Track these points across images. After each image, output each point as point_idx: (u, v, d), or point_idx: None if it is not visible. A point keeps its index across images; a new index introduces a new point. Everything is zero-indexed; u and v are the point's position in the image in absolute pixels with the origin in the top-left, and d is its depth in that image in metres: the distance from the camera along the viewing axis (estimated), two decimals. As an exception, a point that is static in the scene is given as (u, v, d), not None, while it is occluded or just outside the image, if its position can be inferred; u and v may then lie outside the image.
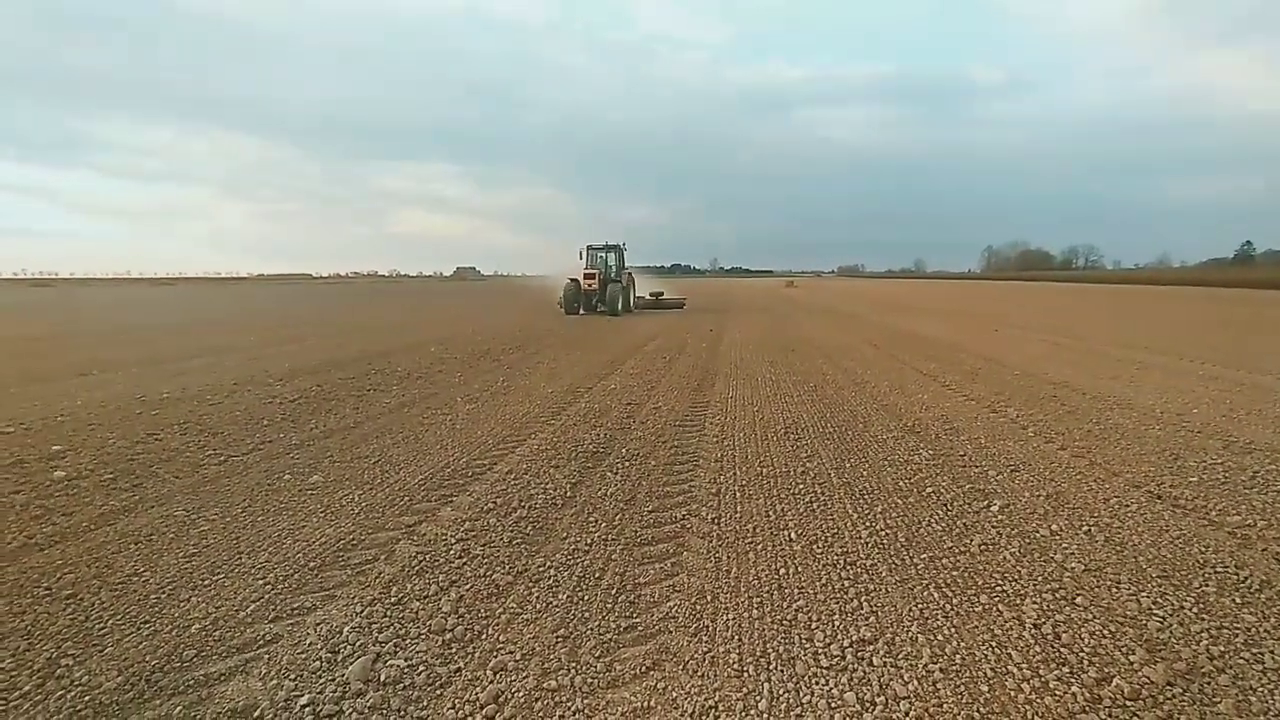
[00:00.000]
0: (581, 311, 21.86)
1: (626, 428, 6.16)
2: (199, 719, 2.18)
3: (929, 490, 4.38)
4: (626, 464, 5.00)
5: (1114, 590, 3.03)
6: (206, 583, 3.13)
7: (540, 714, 2.21)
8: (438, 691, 2.33)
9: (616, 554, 3.44)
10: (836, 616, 2.80)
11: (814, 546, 3.50)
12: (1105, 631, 2.69)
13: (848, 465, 4.93)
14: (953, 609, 2.86)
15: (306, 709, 2.22)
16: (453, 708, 2.24)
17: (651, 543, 3.58)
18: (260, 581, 3.15)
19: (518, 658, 2.51)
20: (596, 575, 3.20)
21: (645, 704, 2.27)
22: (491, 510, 4.05)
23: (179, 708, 2.25)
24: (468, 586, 3.08)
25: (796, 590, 3.03)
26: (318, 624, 2.76)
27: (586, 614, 2.84)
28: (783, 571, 3.21)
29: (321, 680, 2.37)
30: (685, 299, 26.65)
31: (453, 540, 3.60)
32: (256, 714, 2.19)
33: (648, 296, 25.27)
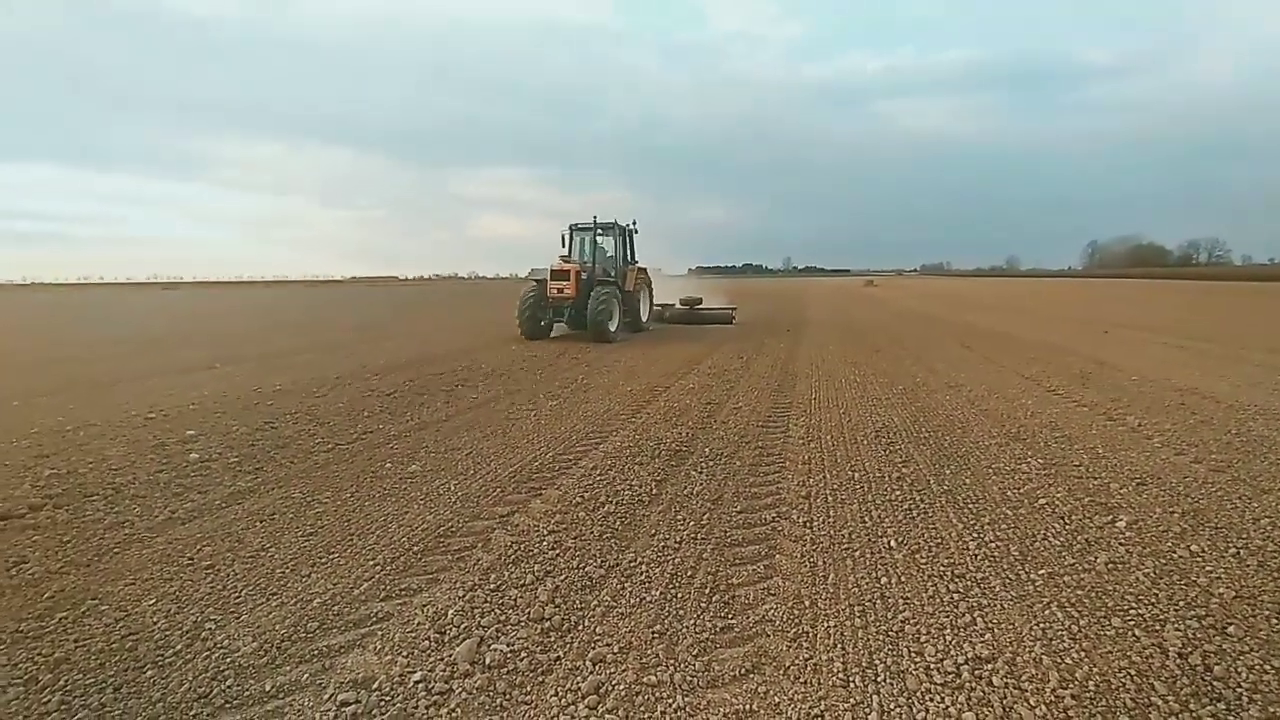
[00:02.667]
0: (555, 332, 14.01)
1: (708, 427, 6.10)
2: (325, 686, 2.33)
3: (1041, 502, 4.06)
4: (710, 463, 4.94)
5: (1274, 621, 2.68)
6: (324, 560, 3.36)
7: (641, 708, 2.21)
8: (540, 678, 2.38)
9: (707, 553, 3.39)
10: (948, 631, 2.63)
11: (916, 556, 3.32)
12: (1267, 666, 2.38)
13: (947, 472, 4.65)
14: (1080, 631, 2.63)
15: (419, 685, 2.32)
16: (555, 695, 2.27)
17: (742, 544, 3.52)
18: (370, 562, 3.34)
19: (615, 650, 2.53)
20: (688, 574, 3.17)
21: (747, 707, 2.22)
22: (580, 504, 4.11)
23: (306, 675, 2.41)
24: (562, 577, 3.14)
25: (901, 601, 2.88)
26: (424, 605, 2.89)
27: (681, 611, 2.82)
28: (884, 580, 3.07)
29: (431, 659, 2.48)
30: (735, 308, 18.58)
31: (545, 532, 3.68)
32: (375, 686, 2.31)
33: (678, 305, 18.05)
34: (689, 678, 2.36)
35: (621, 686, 2.31)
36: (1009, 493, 4.23)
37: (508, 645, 2.56)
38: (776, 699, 2.26)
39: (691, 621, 2.74)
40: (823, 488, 4.36)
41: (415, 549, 3.49)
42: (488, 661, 2.45)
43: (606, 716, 2.16)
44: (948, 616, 2.74)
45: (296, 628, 2.72)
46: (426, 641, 2.60)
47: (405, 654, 2.51)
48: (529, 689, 2.32)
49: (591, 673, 2.39)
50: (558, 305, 13.32)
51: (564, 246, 14.29)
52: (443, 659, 2.47)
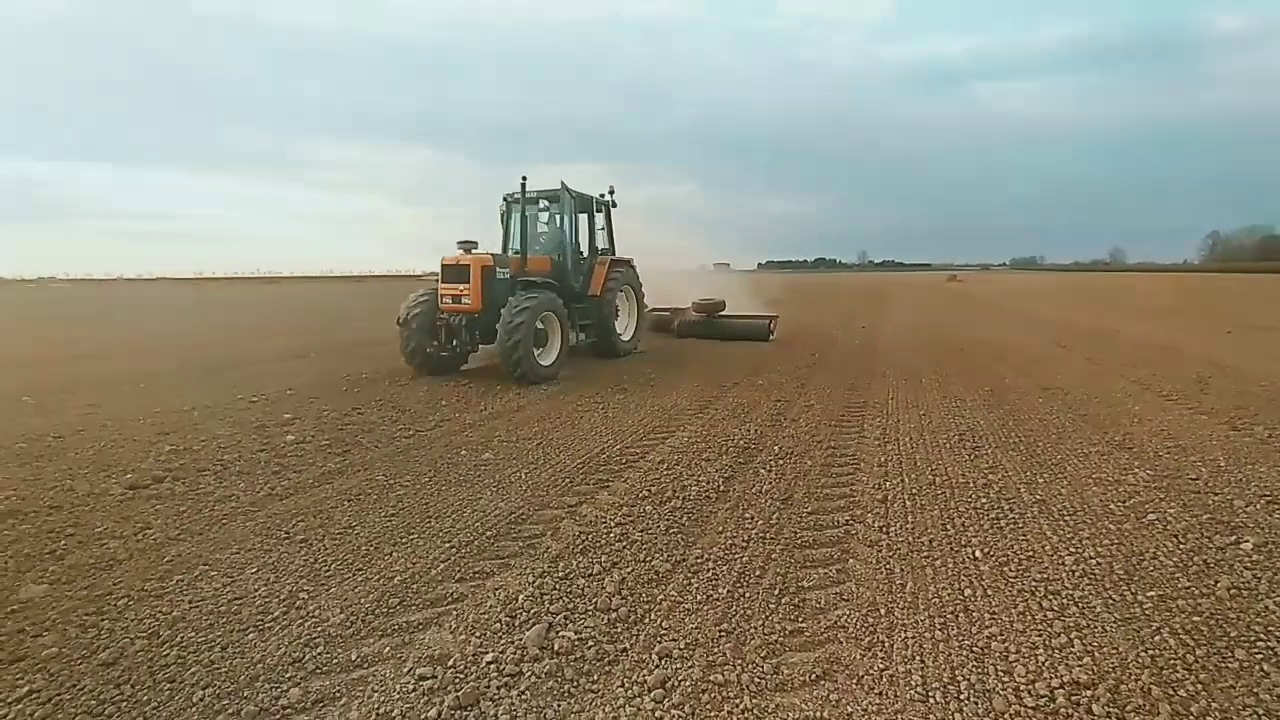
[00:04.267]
0: (469, 360, 9.14)
1: (778, 425, 5.96)
2: (404, 660, 2.44)
3: (1151, 517, 3.70)
4: (780, 462, 4.83)
5: None
6: (404, 540, 3.53)
7: (708, 706, 2.18)
8: (607, 668, 2.40)
9: (776, 554, 3.31)
10: (1040, 651, 2.44)
11: (1005, 569, 3.11)
12: None
13: (1040, 481, 4.33)
14: (1197, 662, 2.37)
15: (490, 665, 2.39)
16: (622, 686, 2.28)
17: (813, 546, 3.41)
18: (446, 544, 3.48)
19: (682, 646, 2.51)
20: (756, 574, 3.10)
21: (818, 714, 2.14)
22: (647, 498, 4.11)
23: (387, 648, 2.54)
24: (629, 570, 3.15)
25: (987, 615, 2.70)
26: (496, 589, 2.98)
27: (749, 611, 2.76)
28: (968, 593, 2.89)
29: (502, 641, 2.55)
30: (774, 317, 13.09)
31: (612, 523, 3.71)
32: (450, 663, 2.40)
33: (691, 313, 13.30)
34: (757, 679, 2.31)
35: (688, 683, 2.29)
36: (1112, 506, 3.88)
37: (575, 633, 2.59)
38: (849, 708, 2.17)
39: (760, 622, 2.68)
40: (900, 492, 4.16)
41: (488, 534, 3.61)
42: (556, 648, 2.49)
43: (673, 711, 2.15)
44: (1040, 636, 2.54)
45: (379, 602, 2.88)
46: (498, 624, 2.67)
47: (478, 634, 2.60)
48: (596, 678, 2.34)
49: (658, 666, 2.38)
50: (453, 324, 8.27)
51: (504, 231, 9.83)
52: (513, 642, 2.54)
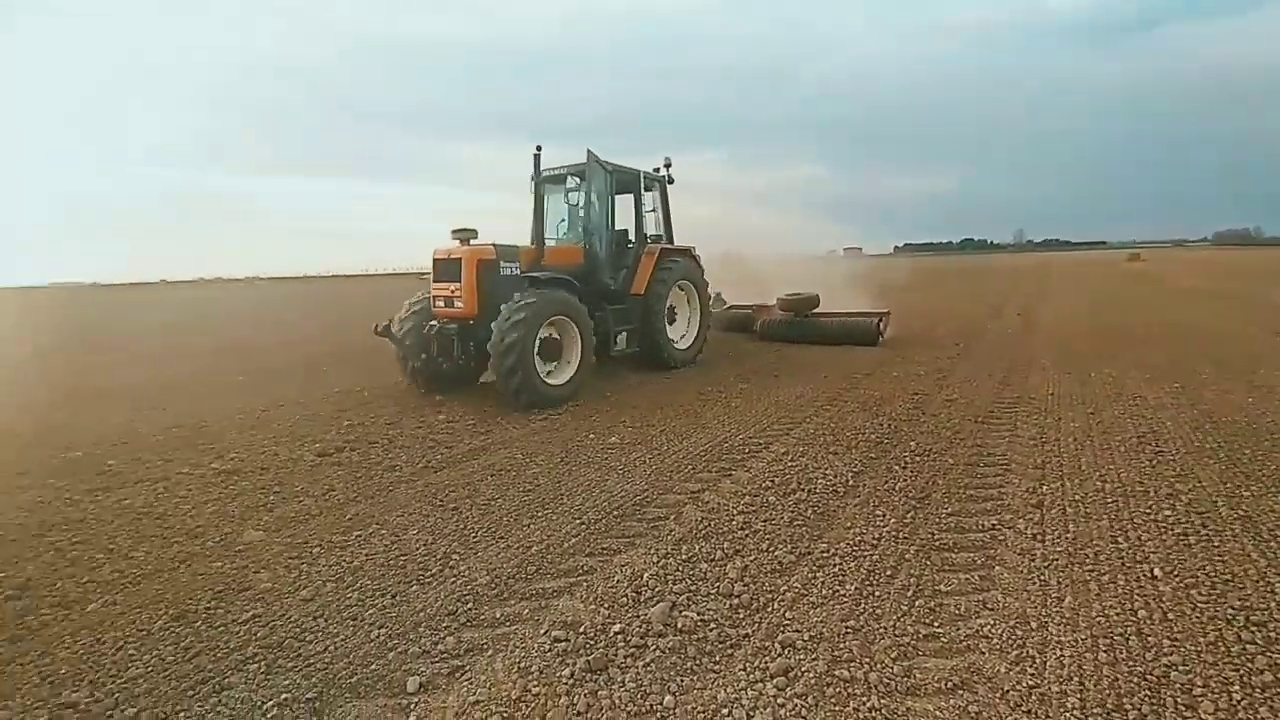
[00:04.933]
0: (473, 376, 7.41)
1: (914, 419, 5.59)
2: (541, 622, 2.66)
3: (1406, 546, 3.01)
4: (917, 459, 4.53)
5: None
6: (539, 514, 3.81)
7: (832, 700, 2.14)
8: (729, 650, 2.44)
9: (910, 555, 3.14)
10: (1235, 688, 2.10)
11: (1192, 592, 2.70)
12: None
13: (1246, 494, 3.67)
14: None
15: (618, 636, 2.53)
16: (744, 669, 2.31)
17: (952, 549, 3.19)
18: (577, 520, 3.70)
19: (806, 638, 2.48)
20: (887, 573, 2.97)
21: (954, 723, 2.03)
22: (770, 488, 4.07)
23: (526, 610, 2.78)
24: (751, 558, 3.15)
25: (1166, 641, 2.37)
26: (623, 565, 3.13)
27: (878, 611, 2.66)
28: (1143, 614, 2.55)
29: (628, 614, 2.68)
30: (885, 313, 10.48)
31: (734, 511, 3.72)
32: (580, 629, 2.58)
33: (776, 310, 10.92)
34: (886, 679, 2.23)
35: (811, 674, 2.26)
36: (1348, 529, 3.20)
37: (698, 614, 2.66)
38: (990, 722, 2.02)
39: (890, 622, 2.57)
40: (1060, 498, 3.74)
41: (614, 513, 3.79)
42: (679, 625, 2.58)
43: (795, 700, 2.14)
44: (1236, 671, 2.19)
45: (519, 568, 3.14)
46: (625, 598, 2.81)
47: (607, 606, 2.75)
48: (718, 658, 2.39)
49: (780, 655, 2.37)
50: (444, 332, 6.73)
51: (536, 215, 7.62)
52: (639, 616, 2.66)
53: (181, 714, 2.18)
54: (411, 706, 2.18)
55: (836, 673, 2.26)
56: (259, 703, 2.22)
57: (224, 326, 18.52)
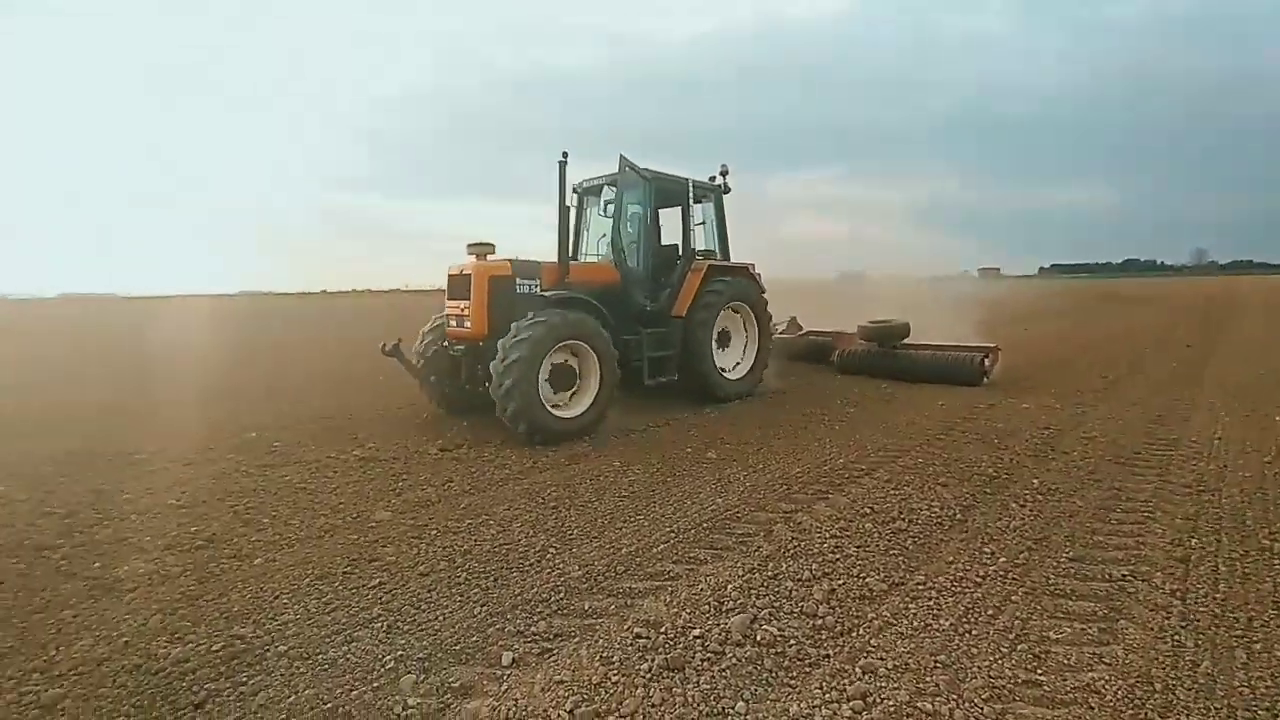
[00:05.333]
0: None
1: (1041, 455, 5.13)
2: (625, 619, 2.80)
3: None
4: (1039, 497, 4.17)
5: None
6: (632, 520, 3.97)
7: (911, 732, 2.08)
8: (806, 669, 2.43)
9: (1018, 597, 2.92)
10: None
11: (1378, 676, 2.28)
12: None
13: None
14: None
15: (697, 640, 2.60)
16: (820, 688, 2.30)
17: (1070, 596, 2.92)
18: (667, 529, 3.82)
19: (889, 666, 2.41)
20: (989, 612, 2.79)
21: (1048, 777, 1.89)
22: (868, 515, 3.94)
23: (613, 606, 2.93)
24: (840, 582, 3.09)
25: (1332, 727, 2.04)
26: (708, 575, 3.19)
27: (973, 650, 2.51)
28: (1303, 693, 2.20)
29: (709, 622, 2.75)
30: (993, 349, 8.51)
31: (827, 535, 3.65)
32: (662, 629, 2.68)
33: (859, 340, 9.52)
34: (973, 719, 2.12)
35: (891, 703, 2.20)
36: None
37: (778, 629, 2.67)
38: (1093, 782, 1.87)
39: (986, 663, 2.42)
40: (1211, 554, 3.29)
41: (704, 526, 3.86)
42: (758, 638, 2.60)
43: (871, 727, 2.10)
44: None
45: (609, 567, 3.31)
46: (706, 606, 2.88)
47: (689, 611, 2.83)
48: (794, 674, 2.39)
49: (860, 679, 2.33)
50: (454, 354, 6.64)
51: (569, 228, 6.94)
52: (718, 625, 2.71)
53: (319, 656, 2.56)
54: (504, 677, 2.40)
55: (919, 704, 2.19)
56: (380, 655, 2.55)
57: (375, 332, 20.80)
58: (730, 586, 3.05)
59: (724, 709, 2.20)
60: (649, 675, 2.38)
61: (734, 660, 2.47)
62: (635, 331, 6.86)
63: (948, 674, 2.36)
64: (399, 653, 2.57)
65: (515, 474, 4.93)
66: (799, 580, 3.12)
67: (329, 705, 2.27)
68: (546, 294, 6.29)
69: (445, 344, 6.70)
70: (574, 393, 6.11)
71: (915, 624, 2.71)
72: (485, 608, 2.92)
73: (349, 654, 2.57)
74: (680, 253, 7.87)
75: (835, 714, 2.17)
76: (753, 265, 8.10)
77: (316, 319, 29.02)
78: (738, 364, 7.94)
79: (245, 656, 2.56)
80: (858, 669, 2.40)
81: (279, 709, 2.25)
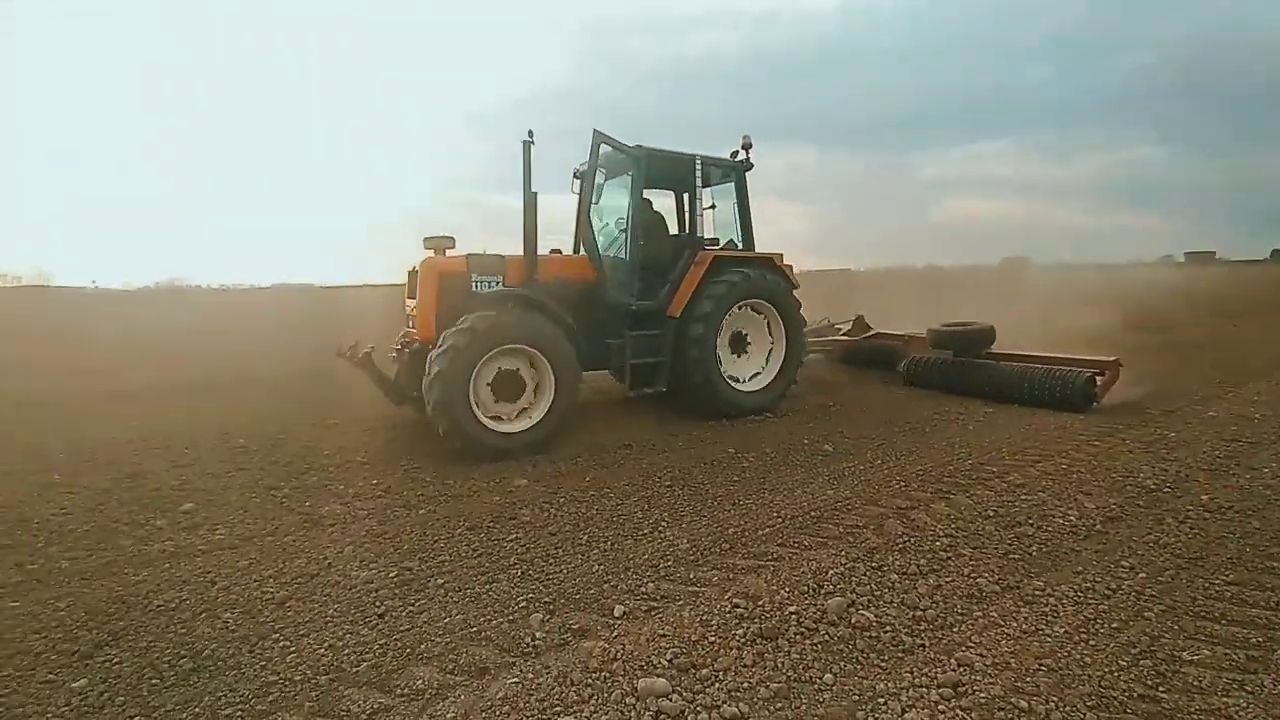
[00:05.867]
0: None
1: (1219, 470, 4.51)
2: (726, 590, 3.02)
3: None
4: (1205, 515, 3.73)
5: None
6: (741, 503, 4.16)
7: (1002, 724, 2.09)
8: (899, 654, 2.49)
9: (1153, 614, 2.72)
10: None
11: None
12: None
13: None
14: None
15: (792, 615, 2.76)
16: (910, 673, 2.36)
17: (1219, 620, 2.66)
18: (776, 514, 3.96)
19: (988, 663, 2.40)
20: (1113, 625, 2.64)
21: (1150, 788, 1.84)
22: (991, 518, 3.79)
23: (715, 578, 3.17)
24: (948, 579, 3.06)
25: None
26: (810, 560, 3.31)
27: (1087, 659, 2.42)
28: None
29: (806, 601, 2.88)
30: (1108, 366, 6.48)
31: (941, 533, 3.59)
32: (759, 602, 2.87)
33: (931, 347, 7.89)
34: (1074, 723, 2.08)
35: (984, 695, 2.22)
36: None
37: (875, 615, 2.74)
38: (1204, 802, 1.78)
39: (1099, 672, 2.33)
40: None
41: (812, 514, 3.94)
42: (853, 621, 2.70)
43: (960, 713, 2.14)
44: None
45: (715, 544, 3.55)
46: (805, 587, 3.01)
47: (787, 589, 2.99)
48: (886, 657, 2.47)
49: (954, 670, 2.36)
50: (400, 357, 6.25)
51: (535, 218, 5.73)
52: (815, 604, 2.84)
53: (467, 590, 3.08)
54: (614, 626, 2.75)
55: (1014, 700, 2.19)
56: (514, 595, 3.02)
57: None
58: (832, 572, 3.15)
59: (811, 677, 2.36)
60: (743, 640, 2.60)
61: (826, 637, 2.61)
62: (619, 334, 6.06)
63: (1052, 677, 2.31)
64: (530, 595, 3.02)
65: (636, 454, 5.30)
66: (905, 574, 3.14)
67: (474, 629, 2.76)
68: (486, 294, 5.58)
69: (412, 338, 5.98)
70: (527, 405, 5.37)
71: (1025, 627, 2.65)
72: (603, 566, 3.30)
73: (490, 591, 3.07)
74: (633, 241, 6.40)
75: (922, 698, 2.23)
76: (779, 256, 6.89)
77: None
78: (756, 374, 6.78)
79: (413, 584, 3.16)
80: (953, 660, 2.42)
81: (437, 626, 2.78)
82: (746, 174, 6.91)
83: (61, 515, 4.07)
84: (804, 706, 2.21)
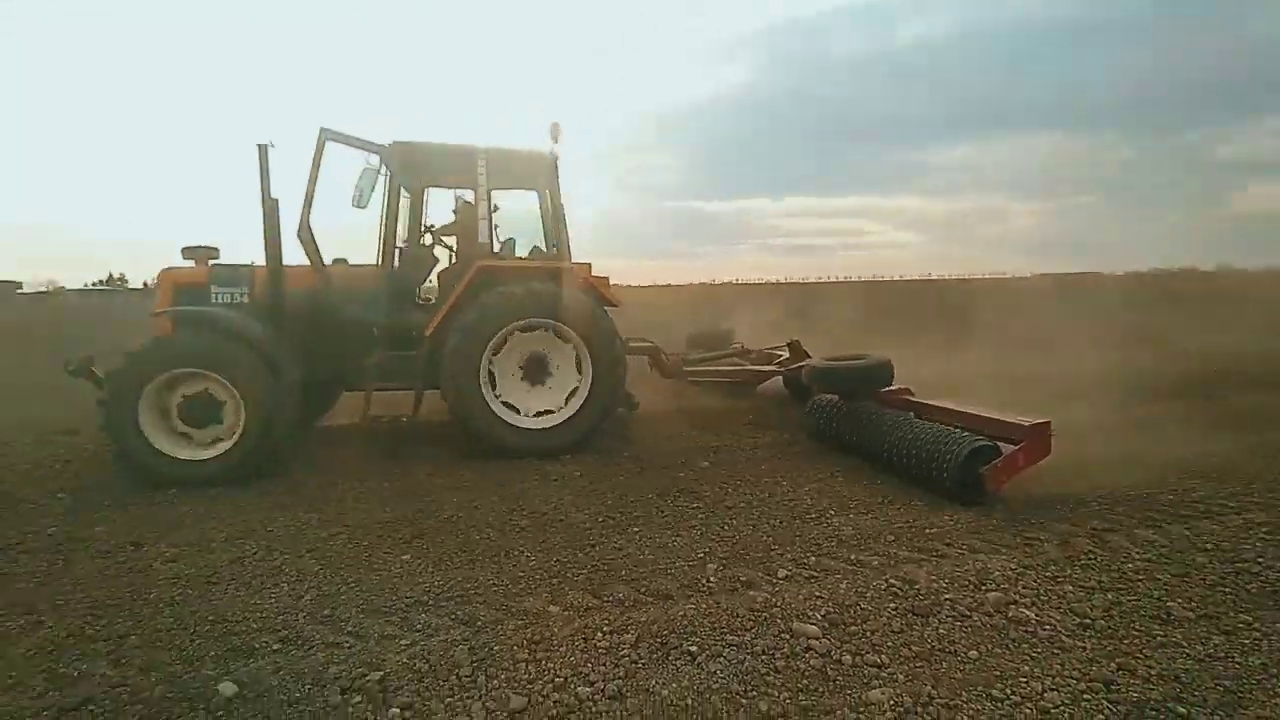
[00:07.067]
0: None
1: None
2: (885, 572, 3.29)
3: None
4: None
5: None
6: (910, 504, 4.28)
7: (1154, 725, 2.14)
8: (1054, 651, 2.57)
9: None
10: None
11: None
12: None
13: None
14: None
15: (946, 600, 2.95)
16: (1060, 665, 2.46)
17: None
18: (947, 516, 4.03)
19: (1153, 673, 2.39)
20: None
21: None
22: (1209, 550, 3.46)
23: (876, 562, 3.43)
24: (1130, 598, 2.98)
25: None
26: (976, 561, 3.40)
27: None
28: None
29: (964, 592, 3.04)
30: (1035, 426, 4.15)
31: (1137, 556, 3.40)
32: (916, 586, 3.10)
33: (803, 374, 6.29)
34: None
35: (1137, 696, 2.26)
36: None
37: (1036, 615, 2.82)
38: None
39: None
40: None
41: (993, 522, 3.94)
42: (1011, 615, 2.82)
43: (1105, 707, 2.23)
44: None
45: (879, 534, 3.79)
46: (966, 581, 3.15)
47: (946, 581, 3.15)
48: (1039, 649, 2.58)
49: (1111, 671, 2.41)
50: None
51: (276, 226, 5.16)
52: (973, 596, 3.00)
53: (656, 539, 3.78)
54: (777, 584, 3.21)
55: (1171, 707, 2.21)
56: (694, 548, 3.65)
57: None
58: (998, 574, 3.24)
59: (956, 650, 2.59)
60: (894, 613, 2.89)
61: (979, 624, 2.78)
62: (372, 354, 5.41)
63: (1228, 697, 2.25)
64: (706, 550, 3.62)
65: (810, 453, 5.61)
66: (1082, 587, 3.11)
67: (661, 567, 3.44)
68: (170, 311, 5.13)
69: None
70: (220, 429, 4.85)
71: (1212, 652, 2.54)
72: (771, 538, 3.77)
73: (675, 541, 3.74)
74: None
75: (1074, 695, 2.33)
76: (586, 267, 5.73)
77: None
78: (550, 411, 5.56)
79: (615, 528, 3.96)
80: (1113, 664, 2.46)
81: (633, 560, 3.51)
82: (555, 168, 5.88)
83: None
84: (943, 669, 2.48)
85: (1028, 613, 2.84)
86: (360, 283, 5.61)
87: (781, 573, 3.32)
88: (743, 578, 3.29)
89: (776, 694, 2.36)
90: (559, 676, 2.47)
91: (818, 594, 3.08)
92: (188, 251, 5.46)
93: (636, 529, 3.95)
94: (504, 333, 5.33)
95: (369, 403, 5.41)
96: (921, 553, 3.56)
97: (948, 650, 2.60)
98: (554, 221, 5.92)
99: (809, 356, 6.97)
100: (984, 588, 3.10)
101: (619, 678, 2.46)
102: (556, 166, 5.85)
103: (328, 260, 5.51)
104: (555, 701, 2.33)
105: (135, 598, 3.15)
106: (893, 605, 2.95)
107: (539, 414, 5.51)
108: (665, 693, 2.37)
